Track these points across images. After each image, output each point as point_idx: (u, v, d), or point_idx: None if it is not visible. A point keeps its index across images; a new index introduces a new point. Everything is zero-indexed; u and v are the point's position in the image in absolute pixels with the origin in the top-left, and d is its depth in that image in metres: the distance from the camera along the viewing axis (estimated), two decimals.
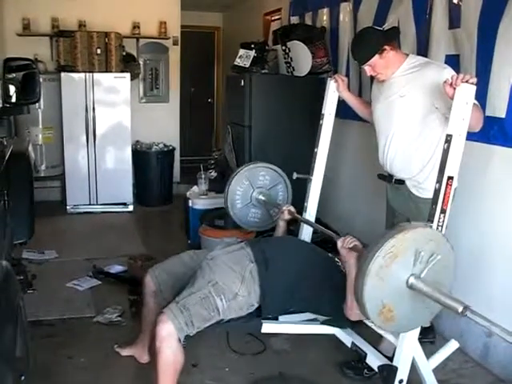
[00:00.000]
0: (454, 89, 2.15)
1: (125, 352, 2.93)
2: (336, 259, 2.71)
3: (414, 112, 2.62)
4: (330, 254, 2.76)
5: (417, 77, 2.59)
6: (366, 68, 2.74)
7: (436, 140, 2.57)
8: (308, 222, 3.07)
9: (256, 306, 2.47)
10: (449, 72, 2.46)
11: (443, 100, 2.41)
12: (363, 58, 2.72)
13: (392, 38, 2.73)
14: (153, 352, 2.33)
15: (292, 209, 3.05)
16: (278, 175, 3.35)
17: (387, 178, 2.86)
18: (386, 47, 2.63)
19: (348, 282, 2.41)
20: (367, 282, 1.93)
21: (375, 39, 2.67)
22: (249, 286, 2.43)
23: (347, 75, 4.27)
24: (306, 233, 3.15)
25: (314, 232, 3.15)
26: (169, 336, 2.18)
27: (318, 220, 3.34)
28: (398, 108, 2.67)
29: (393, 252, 1.93)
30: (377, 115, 2.83)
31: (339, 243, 2.45)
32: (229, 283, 2.40)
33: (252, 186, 3.29)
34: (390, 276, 1.97)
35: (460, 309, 1.86)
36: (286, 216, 3.04)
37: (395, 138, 2.72)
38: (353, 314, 2.43)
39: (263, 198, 3.28)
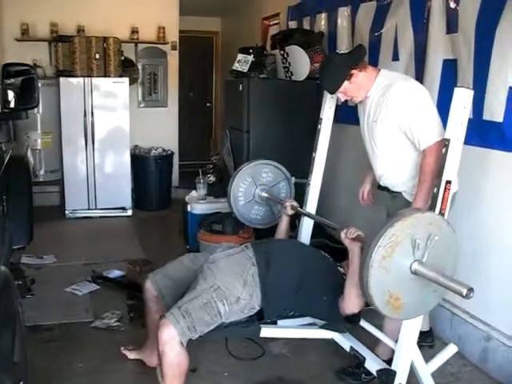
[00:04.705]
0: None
1: (132, 355, 2.93)
2: (338, 264, 2.71)
3: (386, 136, 2.63)
4: (331, 258, 2.76)
5: (381, 101, 2.57)
6: (339, 95, 2.72)
7: (413, 155, 2.60)
8: (311, 216, 3.08)
9: (257, 308, 2.47)
10: (406, 88, 2.54)
11: (403, 121, 2.51)
12: (332, 87, 2.70)
13: (358, 59, 2.66)
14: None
15: (295, 203, 3.06)
16: (281, 173, 3.36)
17: (385, 188, 2.86)
18: (353, 71, 2.60)
19: (350, 270, 2.40)
20: (371, 274, 1.93)
21: (341, 65, 2.64)
22: (250, 289, 2.44)
23: None
24: (308, 227, 3.18)
25: (318, 236, 3.15)
26: (171, 339, 2.18)
27: (319, 226, 3.34)
28: (374, 132, 2.68)
29: (393, 241, 1.94)
30: (363, 137, 2.83)
31: (342, 234, 2.45)
32: (231, 287, 2.40)
33: (255, 183, 3.31)
34: (393, 265, 1.97)
35: (464, 291, 1.85)
36: (289, 211, 3.04)
37: (379, 158, 2.74)
38: (349, 304, 2.42)
39: (266, 195, 3.30)
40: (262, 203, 3.34)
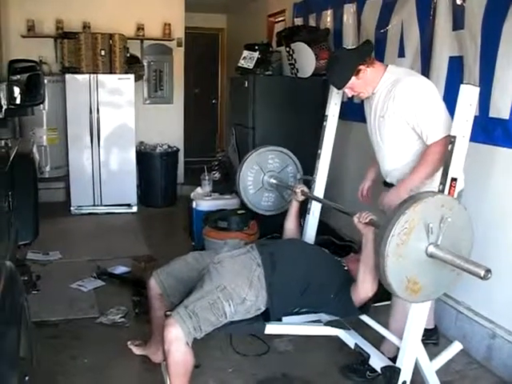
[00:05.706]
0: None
1: (138, 351, 2.93)
2: (342, 261, 2.71)
3: (394, 131, 2.62)
4: (335, 256, 2.76)
5: (389, 97, 2.57)
6: (346, 90, 2.71)
7: (420, 151, 2.58)
8: (321, 201, 3.09)
9: (263, 309, 2.48)
10: (413, 84, 2.53)
11: (411, 117, 2.50)
12: (339, 82, 2.69)
13: (365, 54, 2.66)
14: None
15: (305, 189, 3.05)
16: (287, 157, 3.37)
17: (391, 185, 2.85)
18: (360, 67, 2.59)
19: (363, 255, 2.41)
20: (388, 263, 1.93)
21: (348, 61, 2.63)
22: (256, 290, 2.44)
23: None
24: (313, 224, 3.18)
25: (324, 233, 3.15)
26: (177, 339, 2.19)
27: (324, 223, 3.34)
28: (381, 128, 2.67)
29: (407, 227, 1.94)
30: (369, 133, 2.82)
31: (355, 219, 2.45)
32: (237, 288, 2.40)
33: (262, 171, 3.32)
34: (408, 251, 1.97)
35: (482, 273, 1.84)
36: (300, 197, 3.04)
37: (386, 155, 2.73)
38: (363, 289, 2.42)
39: (275, 182, 3.31)
40: (271, 190, 3.36)
